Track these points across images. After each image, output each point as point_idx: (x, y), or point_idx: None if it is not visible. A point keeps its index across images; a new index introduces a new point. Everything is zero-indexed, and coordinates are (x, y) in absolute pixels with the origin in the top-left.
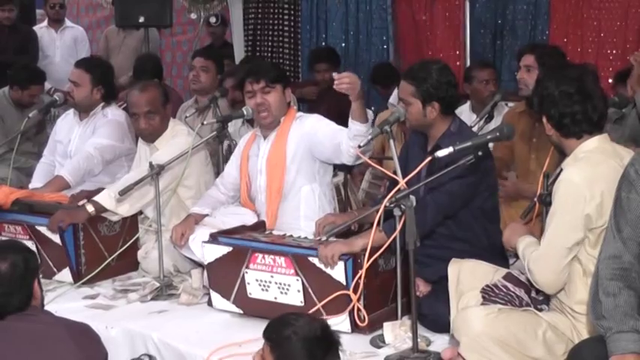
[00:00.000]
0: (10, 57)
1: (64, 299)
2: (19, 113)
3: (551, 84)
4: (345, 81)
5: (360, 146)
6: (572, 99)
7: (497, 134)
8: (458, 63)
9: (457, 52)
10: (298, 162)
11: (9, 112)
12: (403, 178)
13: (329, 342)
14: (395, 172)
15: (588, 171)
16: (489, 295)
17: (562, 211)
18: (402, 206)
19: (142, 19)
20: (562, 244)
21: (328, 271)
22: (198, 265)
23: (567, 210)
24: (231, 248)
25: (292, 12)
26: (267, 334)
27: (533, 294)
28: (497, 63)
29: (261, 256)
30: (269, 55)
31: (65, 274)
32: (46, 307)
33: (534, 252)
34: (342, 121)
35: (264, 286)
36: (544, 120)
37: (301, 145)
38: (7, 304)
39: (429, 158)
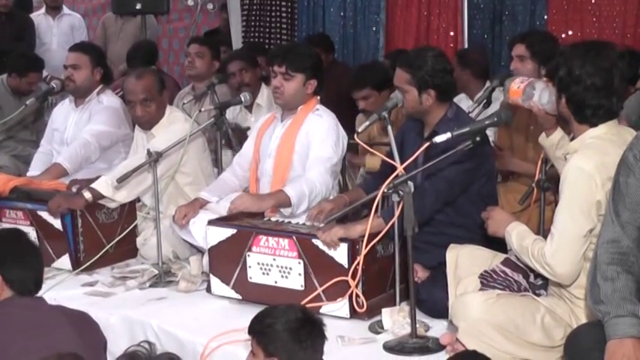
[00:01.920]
0: (6, 44)
1: (62, 287)
2: (16, 101)
3: (583, 71)
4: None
5: (358, 132)
6: (599, 93)
7: (495, 119)
8: (456, 49)
9: (455, 38)
10: (304, 155)
11: (7, 100)
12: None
13: (311, 322)
14: (392, 158)
15: (597, 159)
16: (488, 280)
17: (574, 200)
18: (400, 192)
19: (138, 6)
20: (577, 233)
21: (331, 253)
22: (197, 251)
23: (579, 198)
24: (235, 230)
25: None
26: (250, 329)
27: (531, 279)
28: (495, 48)
29: (264, 238)
30: (266, 41)
31: (64, 261)
32: (46, 295)
33: (547, 245)
34: (342, 106)
35: (265, 269)
36: (562, 100)
37: (306, 141)
38: (36, 282)
39: (427, 144)
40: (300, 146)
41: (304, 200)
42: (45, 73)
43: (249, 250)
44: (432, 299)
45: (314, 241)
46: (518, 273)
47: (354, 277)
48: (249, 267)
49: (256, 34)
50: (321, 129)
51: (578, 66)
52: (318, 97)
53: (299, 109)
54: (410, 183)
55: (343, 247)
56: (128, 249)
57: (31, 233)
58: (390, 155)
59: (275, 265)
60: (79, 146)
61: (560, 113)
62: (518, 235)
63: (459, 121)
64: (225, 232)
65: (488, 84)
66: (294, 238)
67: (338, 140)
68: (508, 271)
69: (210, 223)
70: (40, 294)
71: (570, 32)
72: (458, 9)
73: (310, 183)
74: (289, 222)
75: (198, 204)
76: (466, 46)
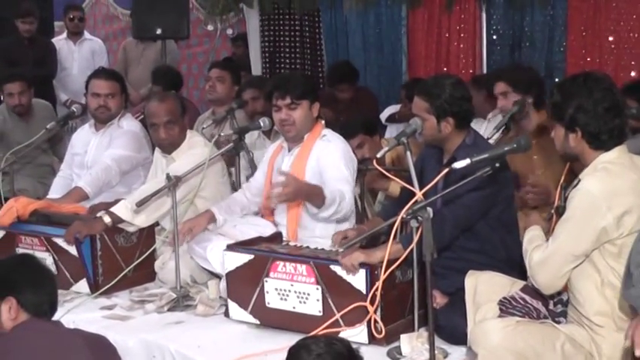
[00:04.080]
0: (29, 69)
1: (81, 310)
2: (23, 123)
3: (592, 100)
4: (282, 193)
5: (377, 157)
6: (611, 114)
7: (515, 146)
8: (475, 74)
9: (474, 64)
10: (316, 183)
11: (13, 125)
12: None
13: None
14: (411, 184)
15: (608, 182)
16: (507, 307)
17: (576, 219)
18: (419, 218)
19: (159, 31)
20: (570, 251)
21: (349, 279)
22: (215, 276)
23: (582, 219)
24: (252, 256)
25: (312, 24)
26: None
27: (550, 306)
28: None
29: (282, 264)
30: (289, 67)
31: (82, 285)
32: (64, 318)
33: (538, 252)
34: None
35: (283, 295)
36: (576, 135)
37: (317, 168)
38: (51, 305)
39: (446, 170)
40: (312, 174)
41: (333, 205)
42: (65, 97)
43: (267, 275)
44: (451, 325)
45: (332, 267)
46: (538, 300)
47: (372, 302)
48: (267, 292)
49: (278, 60)
50: (333, 154)
51: (585, 97)
52: (323, 122)
53: (305, 137)
54: (429, 209)
55: (361, 273)
56: (146, 272)
57: (48, 259)
58: (409, 181)
59: (293, 291)
60: (100, 170)
61: (571, 150)
62: (530, 238)
63: (477, 148)
64: (243, 258)
65: None
66: (311, 263)
67: (349, 163)
68: (527, 297)
69: (228, 248)
70: (58, 317)
71: (589, 59)
72: (477, 35)
73: (340, 194)
74: (307, 247)
75: (205, 218)
76: (485, 71)
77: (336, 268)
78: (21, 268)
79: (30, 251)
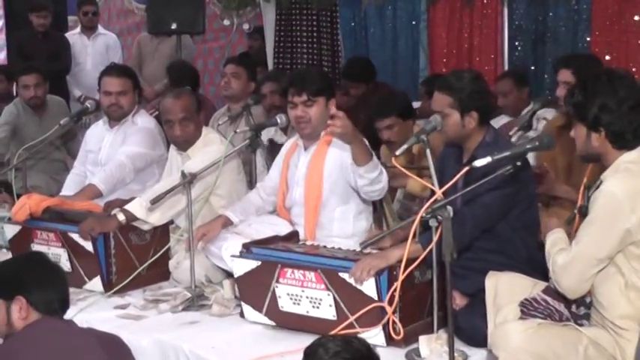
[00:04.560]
0: (43, 64)
1: (94, 309)
2: (37, 118)
3: (617, 99)
4: (337, 124)
5: (396, 155)
6: (635, 112)
7: (537, 144)
8: (497, 71)
9: (495, 60)
10: (333, 181)
11: (26, 120)
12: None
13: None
14: (431, 183)
15: (630, 183)
16: (528, 308)
17: (599, 222)
18: (439, 217)
19: (174, 26)
20: (594, 255)
21: (359, 286)
22: (231, 275)
23: (605, 222)
24: (259, 263)
25: (329, 19)
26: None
27: (573, 308)
28: (538, 71)
29: (290, 270)
30: (306, 63)
31: (96, 283)
32: (77, 317)
33: (562, 255)
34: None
35: (295, 299)
36: (599, 134)
37: (337, 165)
38: (62, 302)
39: (467, 168)
40: (329, 173)
41: (378, 167)
42: (79, 93)
43: (277, 281)
44: (471, 327)
45: (340, 274)
46: (560, 302)
47: (390, 303)
48: (279, 297)
49: (294, 55)
50: None
51: (610, 96)
52: None
53: (322, 134)
54: (449, 208)
55: (371, 281)
56: (161, 271)
57: (63, 255)
58: (430, 180)
59: (304, 296)
60: (114, 167)
61: (593, 150)
62: (553, 240)
63: (498, 146)
64: (250, 264)
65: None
66: (319, 271)
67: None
68: (549, 299)
69: (235, 255)
70: (71, 316)
71: (615, 54)
72: (498, 30)
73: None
74: (324, 246)
75: (220, 222)
76: (506, 68)
77: (344, 276)
78: (29, 266)
79: (45, 247)
